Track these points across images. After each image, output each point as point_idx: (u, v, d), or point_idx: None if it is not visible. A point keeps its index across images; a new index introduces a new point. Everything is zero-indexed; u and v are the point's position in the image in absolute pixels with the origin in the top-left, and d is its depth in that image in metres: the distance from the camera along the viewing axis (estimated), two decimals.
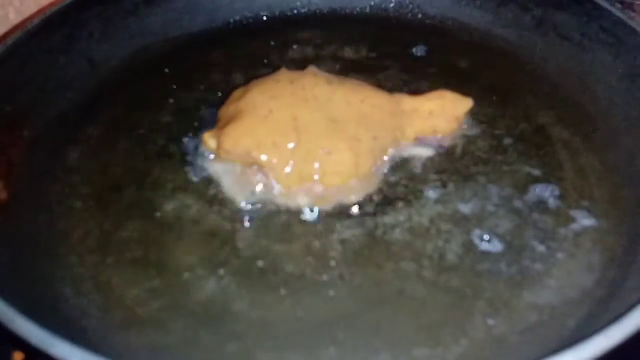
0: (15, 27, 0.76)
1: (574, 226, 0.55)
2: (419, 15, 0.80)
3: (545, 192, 0.58)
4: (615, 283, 0.50)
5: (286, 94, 0.59)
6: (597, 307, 0.48)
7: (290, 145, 0.57)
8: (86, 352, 0.38)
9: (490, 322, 0.48)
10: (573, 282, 0.51)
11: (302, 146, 0.57)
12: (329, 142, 0.57)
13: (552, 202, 0.57)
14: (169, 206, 0.58)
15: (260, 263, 0.53)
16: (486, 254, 0.53)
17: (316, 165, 0.57)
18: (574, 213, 0.56)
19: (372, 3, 0.81)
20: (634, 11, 0.84)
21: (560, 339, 0.45)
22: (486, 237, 0.54)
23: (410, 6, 0.81)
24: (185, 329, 0.49)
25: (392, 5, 0.81)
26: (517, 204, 0.57)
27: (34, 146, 0.62)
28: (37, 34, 0.66)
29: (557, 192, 0.58)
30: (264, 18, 0.81)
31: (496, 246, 0.54)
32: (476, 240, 0.54)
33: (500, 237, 0.54)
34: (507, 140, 0.63)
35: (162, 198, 0.59)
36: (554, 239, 0.54)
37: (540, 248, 0.53)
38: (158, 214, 0.57)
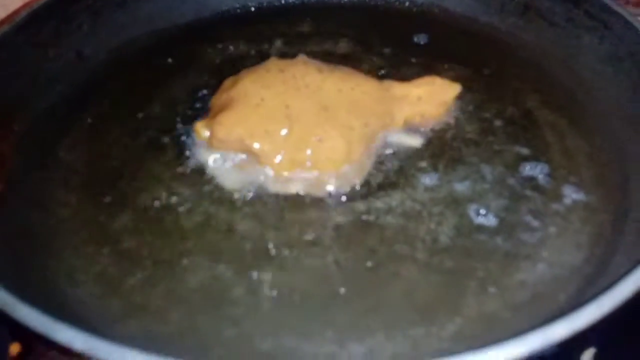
0: (2, 22, 0.75)
1: (565, 201, 0.56)
2: (407, 4, 0.81)
3: (535, 170, 0.59)
4: (604, 259, 0.51)
5: (277, 82, 0.60)
6: (586, 283, 0.49)
7: (283, 132, 0.58)
8: (90, 337, 0.38)
9: (483, 300, 0.49)
10: (563, 258, 0.52)
11: (295, 134, 0.58)
12: (321, 129, 0.58)
13: (542, 179, 0.58)
14: (163, 196, 0.58)
15: (254, 250, 0.53)
16: (481, 228, 0.54)
17: (308, 152, 0.58)
18: (564, 189, 0.57)
19: None
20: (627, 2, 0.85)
21: (551, 314, 0.46)
22: (482, 211, 0.56)
23: None
24: (183, 316, 0.49)
25: None
26: (510, 181, 0.58)
27: (25, 140, 0.62)
28: (25, 27, 0.66)
29: (546, 170, 0.59)
30: (252, 9, 0.81)
31: (490, 221, 0.55)
32: (472, 215, 0.55)
33: (495, 213, 0.55)
34: (496, 123, 0.64)
35: (156, 188, 0.59)
36: (545, 214, 0.55)
37: (534, 223, 0.54)
38: (152, 204, 0.57)
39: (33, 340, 0.46)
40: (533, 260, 0.52)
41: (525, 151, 0.61)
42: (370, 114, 0.61)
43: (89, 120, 0.66)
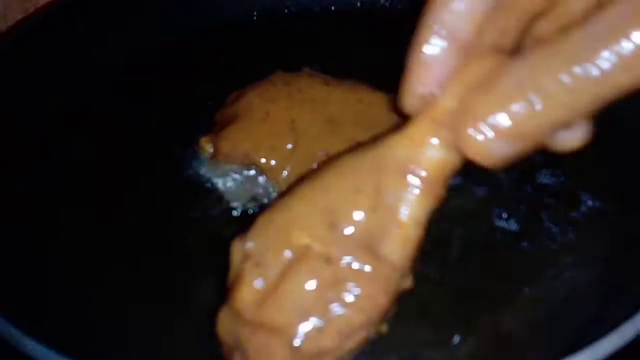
0: (4, 34, 0.74)
1: (582, 209, 0.56)
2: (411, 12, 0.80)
3: (551, 177, 0.59)
4: (622, 274, 0.50)
5: (283, 96, 0.59)
6: (604, 299, 0.48)
7: (289, 147, 0.57)
8: None
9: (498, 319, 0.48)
10: (580, 274, 0.51)
11: (301, 148, 0.57)
12: (327, 143, 0.57)
13: (558, 186, 0.58)
14: (167, 212, 0.58)
15: None
16: (503, 232, 0.54)
17: (314, 166, 0.57)
18: (581, 195, 0.57)
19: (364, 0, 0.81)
20: None
21: (569, 334, 0.45)
22: (504, 215, 0.56)
23: (400, 4, 0.81)
24: (187, 337, 0.49)
25: (384, 1, 0.81)
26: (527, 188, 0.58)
27: (28, 152, 0.61)
28: (29, 37, 0.66)
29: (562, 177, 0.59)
30: (256, 19, 0.80)
31: (512, 226, 0.55)
32: (495, 221, 0.55)
33: (516, 219, 0.55)
34: None
35: (160, 204, 0.58)
36: (563, 222, 0.55)
37: (553, 230, 0.54)
38: (156, 220, 0.57)
39: None
40: (549, 277, 0.51)
41: (539, 159, 0.60)
42: (376, 126, 0.60)
43: (92, 134, 0.65)
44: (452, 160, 0.36)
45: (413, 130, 0.36)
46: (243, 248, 0.40)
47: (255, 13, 0.80)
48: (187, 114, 0.67)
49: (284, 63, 0.65)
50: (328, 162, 0.42)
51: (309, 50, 0.75)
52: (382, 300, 0.38)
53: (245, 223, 0.55)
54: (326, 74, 0.63)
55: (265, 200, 0.58)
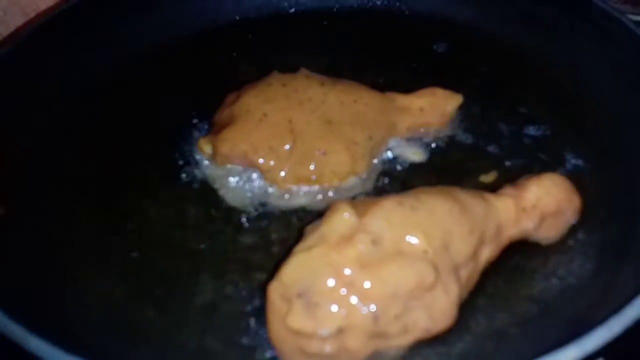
0: (5, 40, 0.76)
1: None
2: (406, 12, 0.81)
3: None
4: (613, 271, 0.51)
5: (280, 97, 0.60)
6: (594, 297, 0.49)
7: (286, 147, 0.58)
8: None
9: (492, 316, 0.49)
10: (572, 271, 0.52)
11: (298, 148, 0.58)
12: (324, 143, 0.58)
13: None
14: (166, 212, 0.58)
15: (260, 264, 0.53)
16: None
17: (312, 166, 0.58)
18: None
19: (360, 1, 0.82)
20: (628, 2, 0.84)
21: (562, 331, 0.46)
22: None
23: (398, 3, 0.81)
24: (190, 337, 0.49)
25: (379, 2, 0.82)
26: None
27: (30, 156, 0.62)
28: (29, 43, 0.67)
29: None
30: (254, 19, 0.81)
31: None
32: None
33: None
34: (499, 134, 0.64)
35: (159, 204, 0.59)
36: None
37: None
38: (155, 220, 0.58)
39: None
40: (541, 274, 0.52)
41: (528, 161, 0.61)
42: (373, 125, 0.61)
43: (93, 136, 0.66)
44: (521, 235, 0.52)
45: (512, 207, 0.52)
46: (356, 221, 0.46)
47: (252, 15, 0.81)
48: (186, 115, 0.67)
49: (281, 64, 0.65)
50: (452, 190, 0.51)
51: (305, 51, 0.75)
52: (445, 319, 0.46)
53: (243, 222, 0.57)
54: (322, 74, 0.64)
55: (264, 200, 0.58)
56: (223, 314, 0.50)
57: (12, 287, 0.49)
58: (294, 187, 0.58)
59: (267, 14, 0.81)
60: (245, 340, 0.49)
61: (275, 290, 0.46)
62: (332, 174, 0.58)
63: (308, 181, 0.58)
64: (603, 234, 0.54)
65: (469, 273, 0.48)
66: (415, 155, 0.62)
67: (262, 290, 0.51)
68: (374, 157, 0.60)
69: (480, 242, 0.48)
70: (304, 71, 0.64)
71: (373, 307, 0.44)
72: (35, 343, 0.40)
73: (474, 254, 0.48)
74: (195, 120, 0.66)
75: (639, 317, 0.39)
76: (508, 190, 0.53)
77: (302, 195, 0.58)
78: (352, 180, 0.59)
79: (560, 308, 0.49)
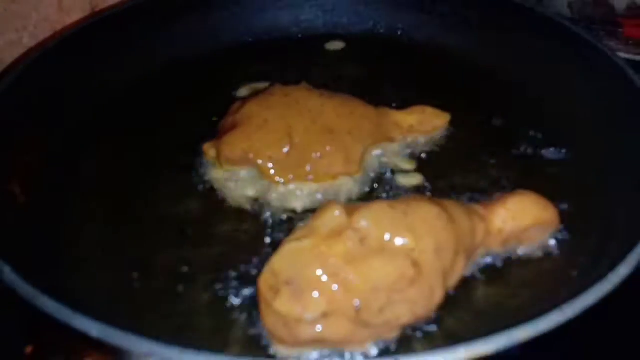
0: (31, 50, 0.81)
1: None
2: (406, 40, 0.87)
3: None
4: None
5: (281, 105, 0.64)
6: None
7: (285, 150, 0.62)
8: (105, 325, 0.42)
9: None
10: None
11: (296, 151, 0.62)
12: (321, 146, 0.62)
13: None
14: (174, 211, 0.62)
15: (260, 263, 0.56)
16: None
17: (309, 167, 0.62)
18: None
19: (363, 27, 0.88)
20: (617, 39, 0.90)
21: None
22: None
23: (400, 31, 0.87)
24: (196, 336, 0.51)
25: (382, 31, 0.88)
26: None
27: (50, 158, 0.66)
28: (53, 55, 0.71)
29: None
30: (266, 40, 0.87)
31: None
32: None
33: None
34: (484, 148, 0.68)
35: (167, 204, 0.62)
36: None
37: None
38: (163, 219, 0.61)
39: (49, 337, 0.50)
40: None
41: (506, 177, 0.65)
42: (368, 135, 0.65)
43: (108, 142, 0.70)
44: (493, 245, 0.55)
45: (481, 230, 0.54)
46: (345, 218, 0.49)
47: (264, 37, 0.87)
48: (194, 124, 0.72)
49: (284, 80, 0.70)
50: (441, 201, 0.54)
51: (305, 67, 0.81)
52: (425, 316, 0.50)
53: (245, 221, 0.60)
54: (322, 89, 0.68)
55: (264, 200, 0.62)
56: (222, 312, 0.52)
57: (26, 258, 0.52)
58: (293, 189, 0.62)
59: (277, 37, 0.87)
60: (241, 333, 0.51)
61: (265, 280, 0.48)
62: (326, 175, 0.62)
63: (304, 181, 0.62)
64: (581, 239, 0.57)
65: (453, 281, 0.51)
66: (405, 163, 0.66)
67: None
68: (367, 163, 0.65)
69: (460, 253, 0.51)
70: (305, 85, 0.68)
71: (356, 298, 0.47)
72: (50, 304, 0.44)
73: (454, 263, 0.51)
74: (202, 128, 0.70)
75: (592, 303, 0.43)
76: (479, 209, 0.55)
77: (300, 196, 0.62)
78: (346, 182, 0.63)
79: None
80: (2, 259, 0.47)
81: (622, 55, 0.74)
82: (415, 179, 0.65)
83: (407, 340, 0.49)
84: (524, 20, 0.79)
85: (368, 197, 0.62)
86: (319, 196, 0.62)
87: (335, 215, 0.49)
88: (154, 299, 0.54)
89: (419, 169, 0.66)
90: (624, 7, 0.93)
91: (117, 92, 0.76)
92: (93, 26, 0.77)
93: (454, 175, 0.65)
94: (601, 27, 0.92)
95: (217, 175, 0.65)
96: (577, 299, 0.43)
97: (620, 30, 0.91)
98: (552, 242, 0.57)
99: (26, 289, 0.45)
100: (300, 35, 0.88)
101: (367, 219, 0.49)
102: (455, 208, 0.53)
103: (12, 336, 0.51)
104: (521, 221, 0.55)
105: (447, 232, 0.50)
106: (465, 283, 0.53)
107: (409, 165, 0.66)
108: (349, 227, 0.49)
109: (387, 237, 0.48)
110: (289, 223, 0.60)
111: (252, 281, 0.53)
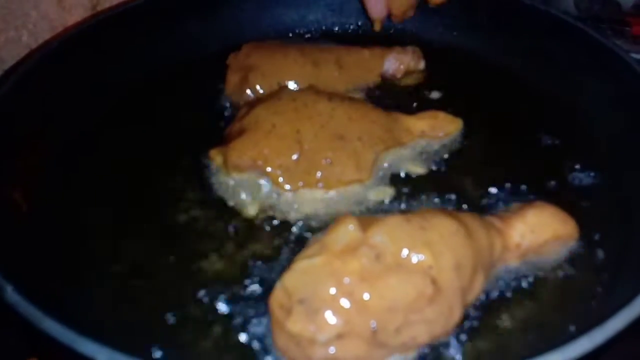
0: (32, 51, 0.79)
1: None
2: (419, 42, 0.84)
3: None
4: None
5: (289, 110, 0.62)
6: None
7: (294, 157, 0.60)
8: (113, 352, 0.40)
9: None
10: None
11: (306, 156, 0.60)
12: (331, 152, 0.61)
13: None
14: (182, 219, 0.61)
15: (268, 269, 0.55)
16: None
17: (319, 174, 0.60)
18: None
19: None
20: (625, 37, 0.89)
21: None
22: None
23: (410, 33, 0.85)
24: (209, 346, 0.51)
25: (392, 31, 0.85)
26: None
27: (53, 162, 0.65)
28: (54, 58, 0.70)
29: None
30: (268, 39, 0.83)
31: None
32: None
33: None
34: (499, 154, 0.67)
35: (175, 211, 0.61)
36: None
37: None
38: (169, 225, 0.60)
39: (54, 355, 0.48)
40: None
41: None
42: (379, 140, 0.64)
43: (112, 148, 0.69)
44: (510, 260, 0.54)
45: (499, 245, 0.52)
46: (360, 234, 0.47)
47: (259, 36, 0.83)
48: (200, 129, 0.70)
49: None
50: (458, 214, 0.52)
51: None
52: (444, 336, 0.48)
53: (253, 228, 0.59)
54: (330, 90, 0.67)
55: (272, 207, 0.60)
56: (229, 317, 0.52)
57: (29, 274, 0.51)
58: (302, 195, 0.61)
59: (282, 36, 0.85)
60: (246, 338, 0.51)
61: (276, 298, 0.47)
62: (337, 182, 0.61)
63: (315, 188, 0.61)
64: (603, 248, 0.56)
65: (472, 298, 0.50)
66: (418, 169, 0.65)
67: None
68: (378, 168, 0.63)
69: (479, 270, 0.49)
70: (312, 87, 0.66)
71: (372, 318, 0.45)
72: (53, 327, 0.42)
73: (473, 280, 0.49)
74: (209, 133, 0.68)
75: (619, 330, 0.41)
76: (496, 222, 0.54)
77: (309, 203, 0.61)
78: (357, 189, 0.61)
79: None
80: (4, 277, 0.46)
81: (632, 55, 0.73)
82: (428, 186, 0.63)
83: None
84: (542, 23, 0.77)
85: (380, 205, 0.61)
86: (330, 204, 0.61)
87: (349, 229, 0.47)
88: (158, 309, 0.53)
89: (431, 176, 0.64)
90: (630, 4, 0.93)
91: (120, 96, 0.75)
92: (94, 28, 0.75)
93: (468, 184, 0.64)
94: (608, 25, 0.91)
95: (224, 181, 0.63)
96: (605, 324, 0.41)
97: (627, 28, 0.91)
98: (571, 255, 0.55)
99: (30, 311, 0.44)
100: (307, 36, 0.86)
101: (383, 234, 0.47)
102: (472, 222, 0.51)
103: (13, 347, 0.52)
104: (540, 235, 0.53)
105: (466, 248, 0.48)
106: (486, 303, 0.52)
107: (421, 171, 0.65)
108: (363, 242, 0.47)
109: (404, 253, 0.47)
110: (300, 233, 0.59)
111: (260, 289, 0.53)
